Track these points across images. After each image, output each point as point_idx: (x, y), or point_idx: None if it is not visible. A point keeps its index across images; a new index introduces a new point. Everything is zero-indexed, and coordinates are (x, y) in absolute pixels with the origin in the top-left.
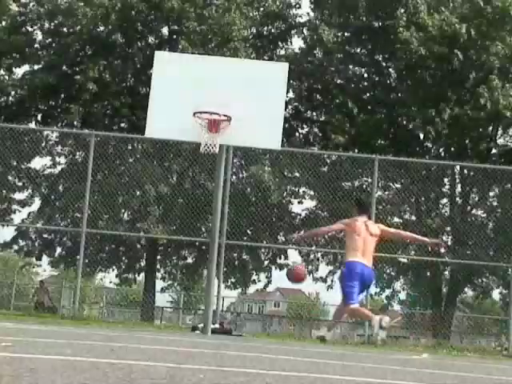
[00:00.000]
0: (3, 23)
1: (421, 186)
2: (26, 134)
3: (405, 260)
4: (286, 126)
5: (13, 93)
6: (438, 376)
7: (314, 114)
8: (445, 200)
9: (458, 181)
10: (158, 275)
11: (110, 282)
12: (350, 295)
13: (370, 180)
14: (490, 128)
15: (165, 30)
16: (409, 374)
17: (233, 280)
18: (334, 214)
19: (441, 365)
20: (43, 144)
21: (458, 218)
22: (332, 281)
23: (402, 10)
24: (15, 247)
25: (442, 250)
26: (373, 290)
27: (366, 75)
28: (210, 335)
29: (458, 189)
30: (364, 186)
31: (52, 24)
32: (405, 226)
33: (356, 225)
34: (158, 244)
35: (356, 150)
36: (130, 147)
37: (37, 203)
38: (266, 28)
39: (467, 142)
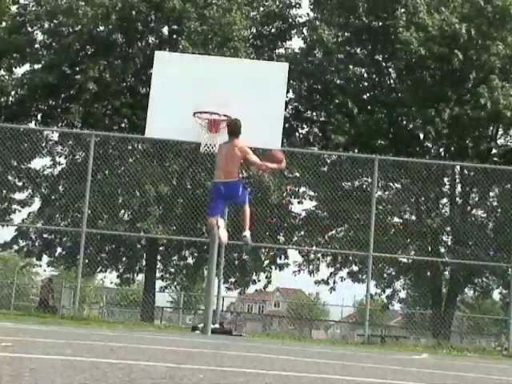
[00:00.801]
0: (3, 23)
1: (421, 185)
2: (26, 134)
3: (405, 260)
4: (286, 125)
5: (13, 93)
6: (437, 376)
7: (314, 113)
8: (445, 200)
9: (457, 181)
10: (158, 275)
11: (111, 283)
12: (210, 211)
13: (369, 180)
14: (491, 128)
15: (165, 30)
16: (409, 374)
17: (233, 280)
18: (334, 213)
19: (441, 365)
20: (43, 144)
21: (458, 218)
22: (334, 282)
23: (402, 10)
24: (15, 247)
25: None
26: (373, 290)
27: (365, 75)
28: (209, 335)
29: (458, 189)
30: (364, 186)
31: (52, 24)
32: (405, 226)
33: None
34: (158, 244)
35: (356, 150)
36: (130, 147)
37: (37, 203)
38: (265, 28)
39: (467, 141)
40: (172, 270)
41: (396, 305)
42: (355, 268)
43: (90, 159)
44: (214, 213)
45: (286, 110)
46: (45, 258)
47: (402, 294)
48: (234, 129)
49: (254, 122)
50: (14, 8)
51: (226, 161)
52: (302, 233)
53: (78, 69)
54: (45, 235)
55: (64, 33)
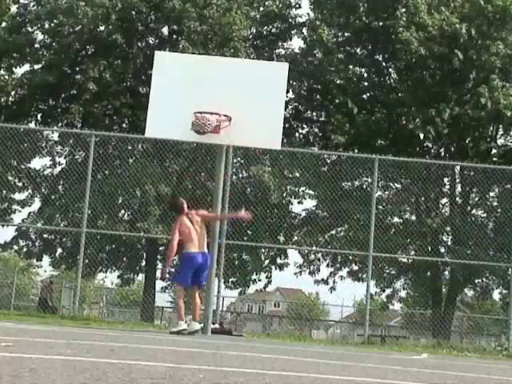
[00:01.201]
0: (3, 23)
1: (421, 185)
2: (26, 133)
3: (405, 260)
4: (286, 125)
5: (13, 93)
6: (438, 376)
7: (314, 113)
8: (445, 200)
9: (457, 181)
10: (158, 275)
11: (111, 283)
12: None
13: (369, 180)
14: (491, 128)
15: (165, 30)
16: (409, 374)
17: (233, 280)
18: (334, 213)
19: (441, 365)
20: (43, 144)
21: (458, 218)
22: (334, 282)
23: (403, 10)
24: (15, 247)
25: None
26: (373, 289)
27: (365, 75)
28: (209, 335)
29: (458, 189)
30: (364, 186)
31: (52, 24)
32: (405, 226)
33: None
34: (158, 244)
35: (356, 150)
36: (130, 147)
37: (37, 203)
38: (266, 28)
39: (467, 141)
40: (172, 269)
41: (396, 305)
42: (355, 267)
43: (90, 159)
44: (186, 282)
45: (286, 110)
46: (45, 259)
47: (402, 294)
48: (174, 206)
49: (254, 122)
50: (14, 8)
51: (196, 231)
52: (302, 233)
53: (77, 69)
54: (45, 235)
55: (64, 33)
